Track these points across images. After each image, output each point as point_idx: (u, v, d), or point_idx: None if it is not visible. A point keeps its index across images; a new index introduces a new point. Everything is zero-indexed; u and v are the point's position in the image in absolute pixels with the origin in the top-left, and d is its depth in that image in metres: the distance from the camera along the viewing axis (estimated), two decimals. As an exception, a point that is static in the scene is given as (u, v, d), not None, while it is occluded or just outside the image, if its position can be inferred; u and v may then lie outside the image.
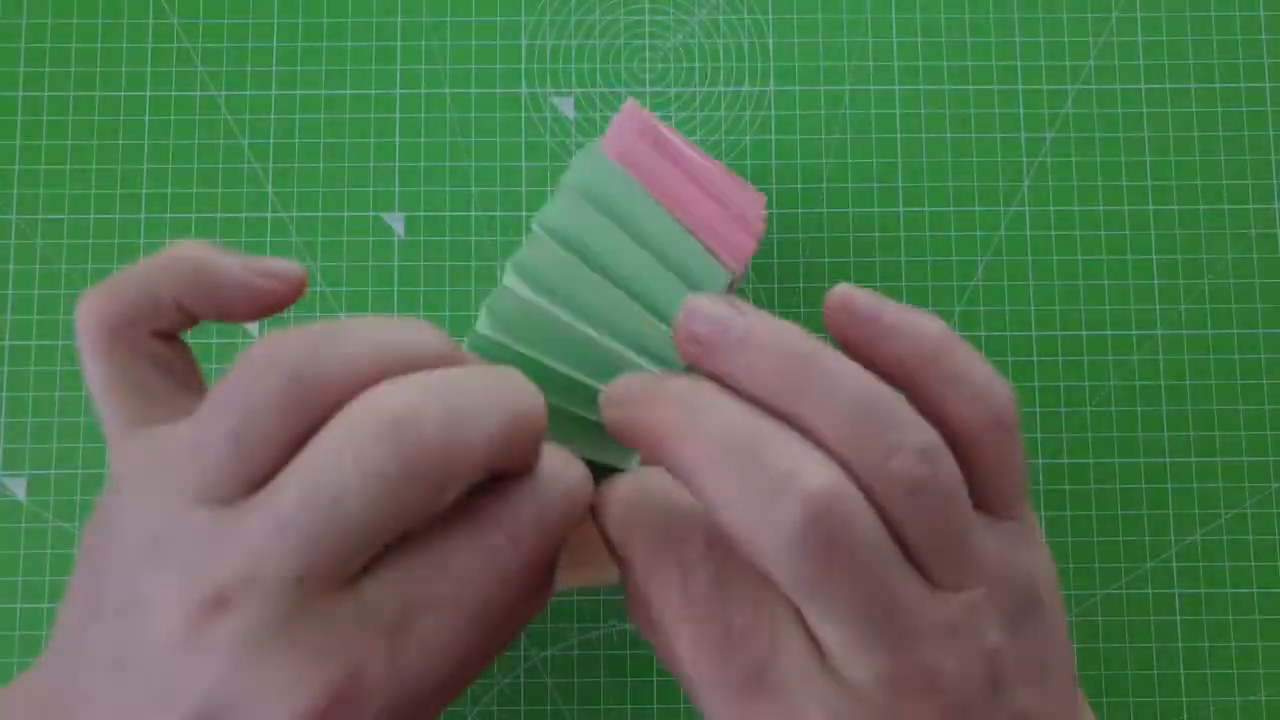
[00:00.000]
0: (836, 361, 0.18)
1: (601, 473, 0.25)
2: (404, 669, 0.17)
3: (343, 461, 0.17)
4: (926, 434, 0.18)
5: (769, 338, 0.18)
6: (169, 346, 0.22)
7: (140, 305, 0.21)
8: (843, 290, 0.19)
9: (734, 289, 0.27)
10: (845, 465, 0.17)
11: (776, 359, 0.18)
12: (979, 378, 0.19)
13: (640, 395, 0.19)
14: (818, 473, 0.17)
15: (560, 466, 0.20)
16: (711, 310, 0.18)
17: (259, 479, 0.18)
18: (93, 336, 0.21)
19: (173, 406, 0.21)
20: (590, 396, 0.24)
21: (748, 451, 0.17)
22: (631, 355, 0.23)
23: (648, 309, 0.23)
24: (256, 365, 0.17)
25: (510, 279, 0.23)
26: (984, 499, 0.20)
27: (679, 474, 0.18)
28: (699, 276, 0.23)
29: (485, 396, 0.18)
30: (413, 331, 0.19)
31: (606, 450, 0.24)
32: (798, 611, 0.18)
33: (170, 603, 0.17)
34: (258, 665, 0.16)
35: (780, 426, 0.18)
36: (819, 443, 0.18)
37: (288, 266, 0.21)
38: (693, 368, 0.22)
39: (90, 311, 0.21)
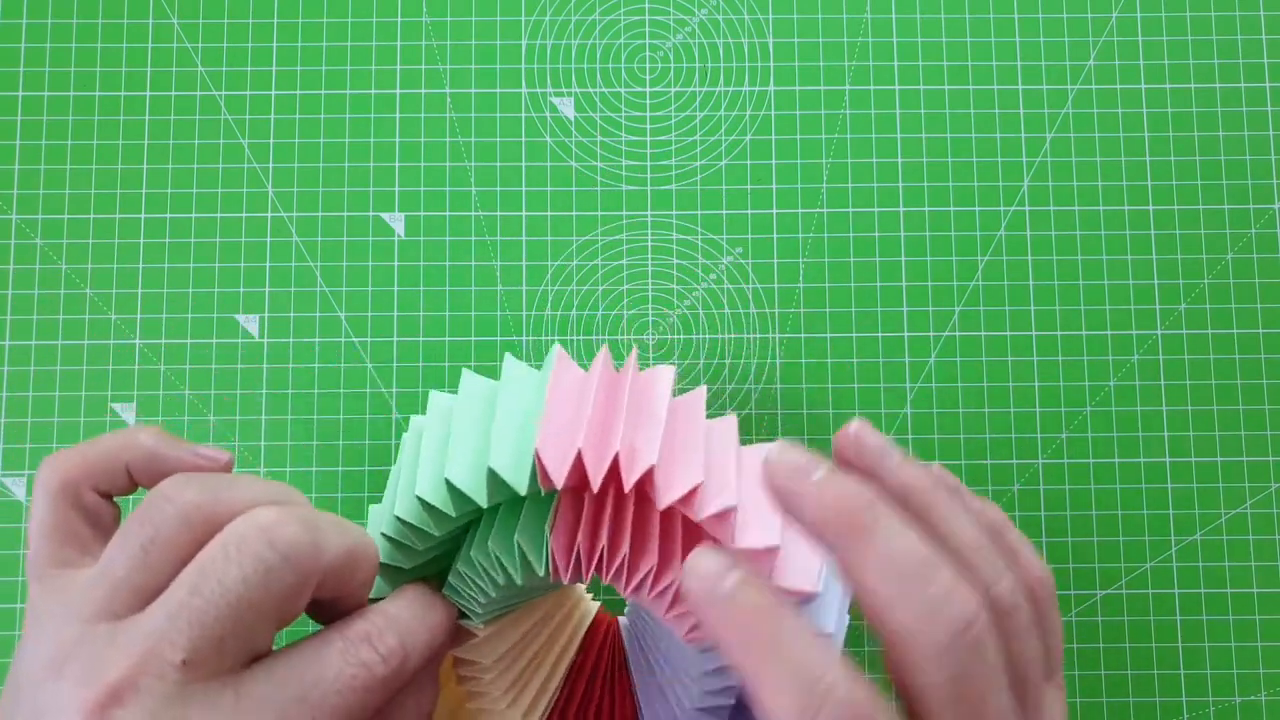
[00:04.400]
0: (947, 510, 0.22)
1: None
2: None
3: (227, 552, 0.21)
4: (1016, 572, 0.22)
5: (911, 474, 0.23)
6: (104, 503, 0.25)
7: (97, 468, 0.25)
8: (857, 428, 0.24)
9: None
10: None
11: (925, 481, 0.23)
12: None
13: (823, 480, 0.21)
14: (971, 593, 0.20)
15: (427, 604, 0.25)
16: (875, 443, 0.23)
17: (158, 590, 0.21)
18: (49, 486, 0.24)
19: (89, 555, 0.24)
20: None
21: (922, 565, 0.20)
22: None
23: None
24: (166, 493, 0.22)
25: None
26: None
27: (852, 569, 0.21)
28: (515, 475, 0.25)
29: (334, 523, 0.23)
30: (290, 492, 0.24)
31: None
32: None
33: (71, 708, 0.19)
34: None
35: (939, 552, 0.21)
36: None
37: (219, 454, 0.26)
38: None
39: (56, 466, 0.25)
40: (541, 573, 0.25)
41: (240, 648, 0.21)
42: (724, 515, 0.24)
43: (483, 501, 0.25)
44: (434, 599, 0.26)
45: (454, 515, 0.25)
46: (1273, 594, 0.35)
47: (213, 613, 0.20)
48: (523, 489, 0.24)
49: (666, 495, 0.24)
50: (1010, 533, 0.24)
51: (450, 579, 0.27)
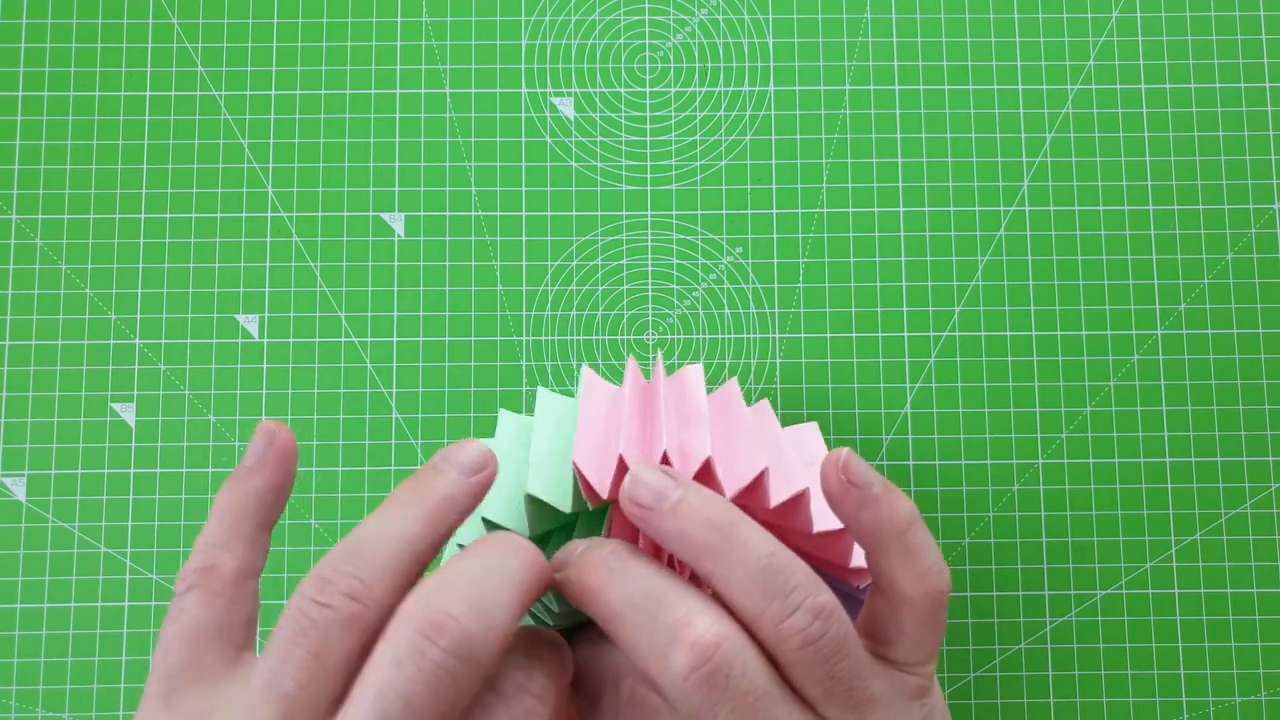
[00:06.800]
0: (750, 531, 0.21)
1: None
2: None
3: (404, 668, 0.19)
4: (821, 595, 0.21)
5: (696, 510, 0.22)
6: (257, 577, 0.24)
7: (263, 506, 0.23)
8: (844, 454, 0.23)
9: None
10: (752, 620, 0.21)
11: (702, 529, 0.21)
12: (930, 559, 0.23)
13: (577, 560, 0.22)
14: (705, 624, 0.21)
15: (555, 636, 0.24)
16: (652, 482, 0.22)
17: (333, 698, 0.20)
18: (223, 572, 0.22)
19: (232, 662, 0.22)
20: None
21: (651, 607, 0.21)
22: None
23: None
24: (314, 596, 0.20)
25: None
26: (899, 653, 0.23)
27: (602, 623, 0.22)
28: (557, 494, 0.25)
29: (500, 577, 0.21)
30: (426, 509, 0.22)
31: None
32: None
33: None
34: None
35: (680, 585, 0.22)
36: (729, 599, 0.21)
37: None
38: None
39: (229, 549, 0.22)
40: None
41: None
42: (797, 500, 0.24)
43: (525, 531, 0.24)
44: (558, 637, 0.25)
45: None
46: (1273, 594, 0.35)
47: None
48: (566, 506, 0.24)
49: (731, 487, 0.24)
50: (912, 534, 0.24)
51: None
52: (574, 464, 0.24)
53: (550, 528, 0.25)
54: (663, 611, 0.21)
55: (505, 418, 0.27)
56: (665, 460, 0.24)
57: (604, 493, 0.23)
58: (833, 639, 0.21)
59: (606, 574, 0.22)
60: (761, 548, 0.21)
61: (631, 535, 0.25)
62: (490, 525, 0.24)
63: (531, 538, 0.25)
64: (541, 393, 0.27)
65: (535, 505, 0.24)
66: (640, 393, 0.27)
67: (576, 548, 0.23)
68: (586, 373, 0.27)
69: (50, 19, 0.37)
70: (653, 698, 0.22)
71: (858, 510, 0.23)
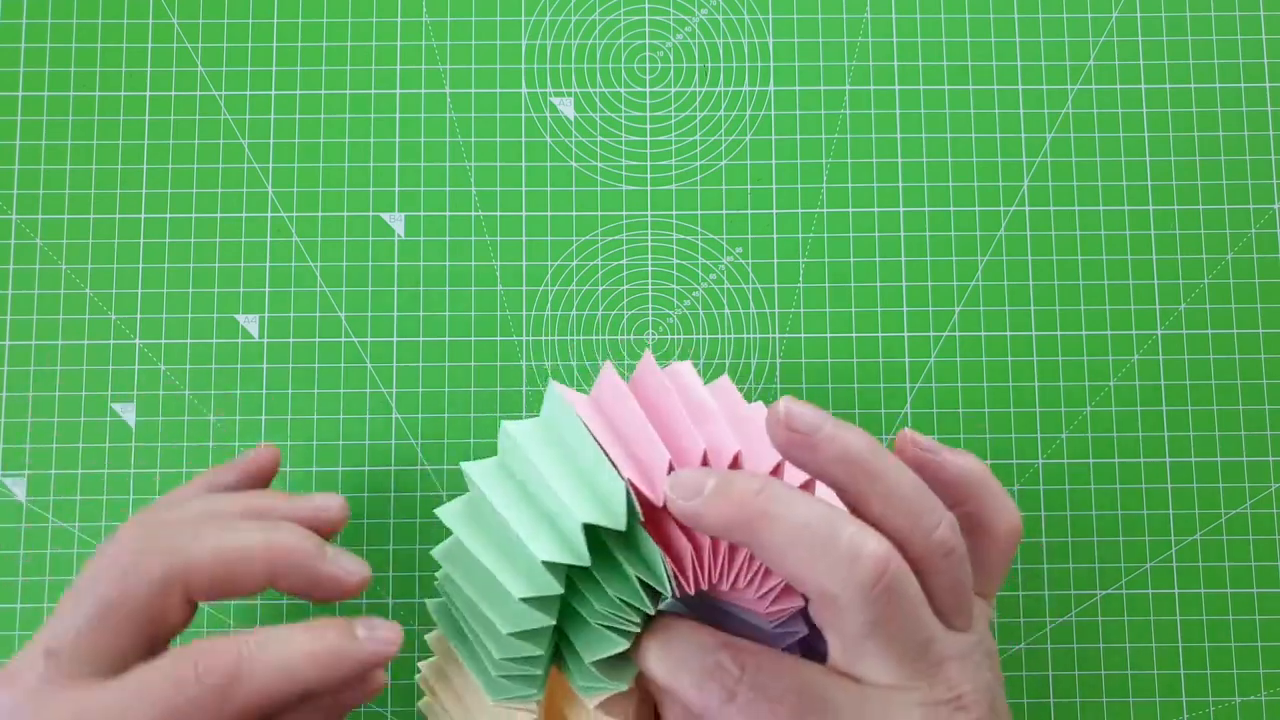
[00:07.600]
0: (894, 463, 0.24)
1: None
2: None
3: (94, 568, 0.25)
4: (950, 514, 0.24)
5: (854, 439, 0.23)
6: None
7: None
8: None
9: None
10: (906, 533, 0.23)
11: (860, 453, 0.23)
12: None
13: (713, 492, 0.23)
14: (879, 542, 0.22)
15: (310, 635, 0.25)
16: (807, 414, 0.23)
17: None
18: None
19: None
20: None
21: (826, 528, 0.22)
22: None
23: (558, 508, 0.26)
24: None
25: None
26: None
27: (765, 552, 0.23)
28: (605, 489, 0.25)
29: (219, 530, 0.26)
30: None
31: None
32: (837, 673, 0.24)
33: None
34: None
35: (837, 508, 0.23)
36: (882, 516, 0.23)
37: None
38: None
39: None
40: (670, 593, 0.25)
41: (99, 646, 0.24)
42: (808, 485, 0.26)
43: (587, 560, 0.24)
44: (321, 631, 0.25)
45: (564, 591, 0.25)
46: (1273, 594, 0.35)
47: (69, 605, 0.24)
48: (622, 524, 0.24)
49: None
50: (988, 484, 0.27)
51: (577, 645, 0.26)
52: (627, 482, 0.25)
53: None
54: (838, 531, 0.22)
55: (474, 470, 0.27)
56: (705, 461, 0.25)
57: (659, 501, 0.25)
58: (962, 549, 0.24)
59: (771, 503, 0.23)
60: (907, 476, 0.23)
61: (666, 537, 0.25)
62: (554, 566, 0.25)
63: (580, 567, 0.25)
64: (510, 427, 0.27)
65: (589, 532, 0.24)
66: (641, 397, 0.27)
67: (703, 483, 0.23)
68: (563, 391, 0.27)
69: (50, 19, 0.37)
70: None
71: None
